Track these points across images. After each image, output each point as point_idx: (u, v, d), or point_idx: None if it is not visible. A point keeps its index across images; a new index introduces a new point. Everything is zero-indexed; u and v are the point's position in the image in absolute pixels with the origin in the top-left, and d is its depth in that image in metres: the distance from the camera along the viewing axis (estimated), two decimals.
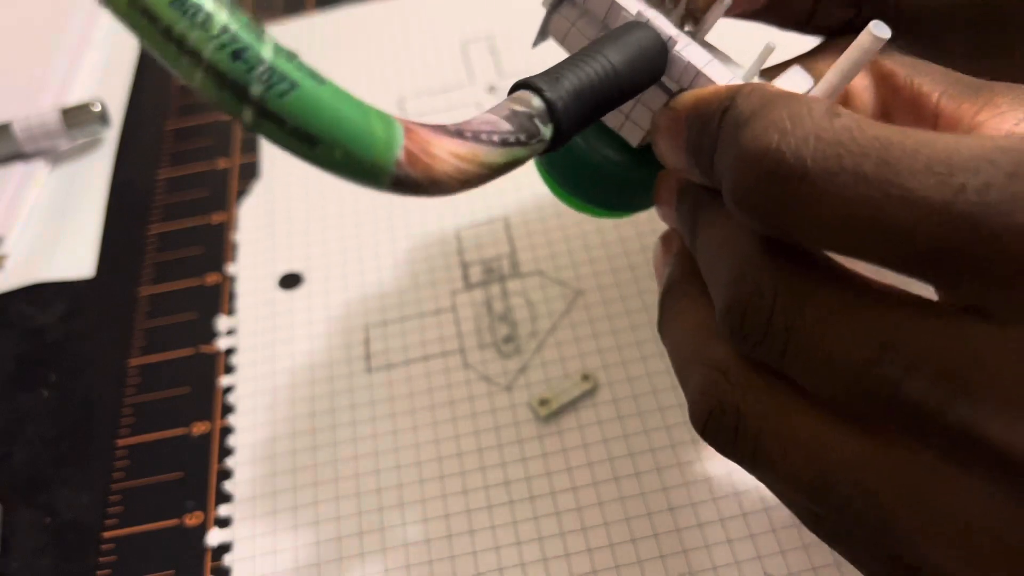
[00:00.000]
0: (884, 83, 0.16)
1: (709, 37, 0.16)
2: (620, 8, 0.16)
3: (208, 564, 0.21)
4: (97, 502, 0.23)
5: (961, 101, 0.14)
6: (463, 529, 0.21)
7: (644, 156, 0.17)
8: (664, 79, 0.16)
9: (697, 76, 0.15)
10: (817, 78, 0.16)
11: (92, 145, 0.33)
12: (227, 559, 0.21)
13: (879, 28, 0.14)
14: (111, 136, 0.33)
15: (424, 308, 0.26)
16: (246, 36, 0.10)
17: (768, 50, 0.15)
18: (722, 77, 0.15)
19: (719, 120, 0.13)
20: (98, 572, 0.22)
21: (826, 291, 0.12)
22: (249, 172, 0.31)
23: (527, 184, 0.29)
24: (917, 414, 0.11)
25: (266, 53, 0.10)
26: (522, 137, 0.13)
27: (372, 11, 0.37)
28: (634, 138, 0.17)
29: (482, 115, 0.13)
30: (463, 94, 0.32)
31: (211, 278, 0.28)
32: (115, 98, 0.34)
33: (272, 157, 0.32)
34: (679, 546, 0.20)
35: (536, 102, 0.13)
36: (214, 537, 0.22)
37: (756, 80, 0.15)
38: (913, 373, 0.11)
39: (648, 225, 0.27)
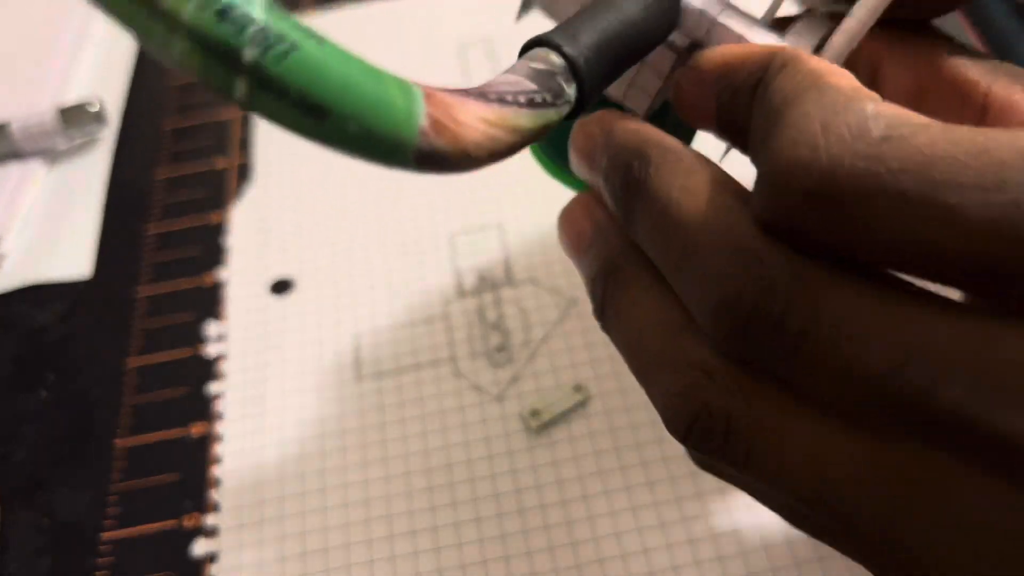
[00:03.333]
0: (924, 65, 0.14)
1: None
2: None
3: (208, 565, 0.21)
4: (95, 503, 0.23)
5: (1013, 90, 0.13)
6: (451, 542, 0.21)
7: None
8: (674, 35, 0.15)
9: (713, 25, 0.14)
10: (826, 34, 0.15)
11: (90, 145, 0.33)
12: (213, 569, 0.21)
13: None
14: (108, 136, 0.33)
15: (416, 316, 0.26)
16: None
17: None
18: (738, 25, 0.14)
19: (751, 95, 0.12)
20: (96, 573, 0.22)
21: (843, 291, 0.11)
22: (246, 172, 0.31)
23: (522, 190, 0.28)
24: (949, 422, 0.10)
25: (257, 11, 0.08)
26: (548, 97, 0.11)
27: (370, 12, 0.36)
28: (641, 105, 0.16)
29: (502, 75, 0.11)
30: None
31: (209, 278, 0.28)
32: (113, 97, 0.34)
33: (266, 160, 0.31)
34: (669, 563, 0.20)
35: (555, 59, 0.12)
36: (200, 547, 0.22)
37: (776, 40, 0.14)
38: (945, 381, 0.10)
39: None
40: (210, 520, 0.22)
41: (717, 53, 0.14)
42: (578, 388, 0.23)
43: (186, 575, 0.21)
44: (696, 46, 0.15)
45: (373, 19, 0.36)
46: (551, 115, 0.12)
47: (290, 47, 0.09)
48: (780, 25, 0.15)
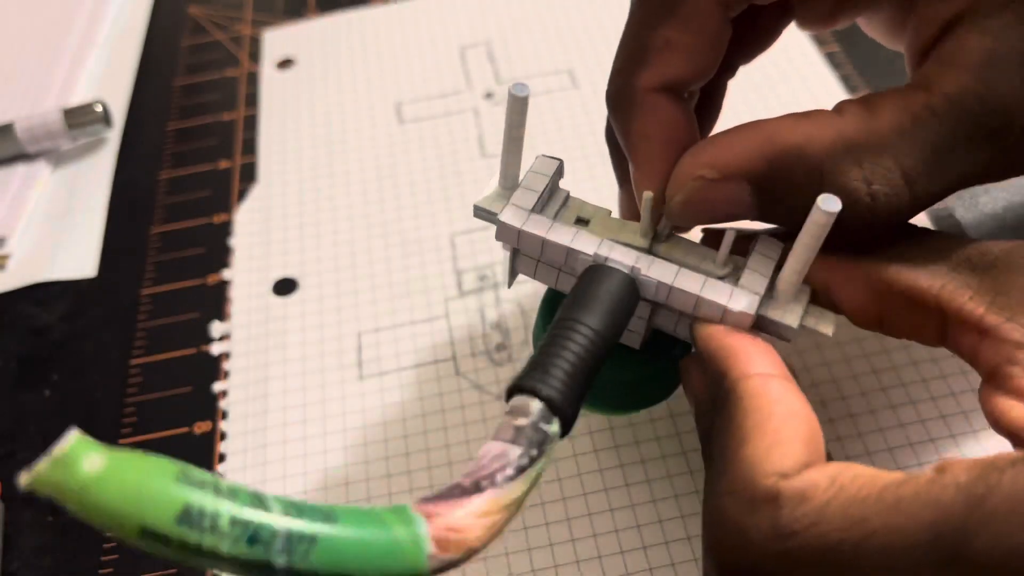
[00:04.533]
0: (875, 281, 0.15)
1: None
2: (578, 253, 0.16)
3: None
4: None
5: (962, 299, 0.14)
6: None
7: (644, 353, 0.18)
8: (643, 296, 0.16)
9: (671, 291, 0.16)
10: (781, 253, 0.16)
11: (94, 145, 0.33)
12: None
13: (827, 202, 0.14)
14: (113, 136, 0.33)
15: (417, 315, 0.26)
16: (254, 517, 0.10)
17: (731, 236, 0.16)
18: (691, 285, 0.16)
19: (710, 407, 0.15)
20: (100, 571, 0.22)
21: None
22: (250, 173, 0.32)
23: None
24: None
25: (277, 522, 0.11)
26: (534, 452, 0.13)
27: (372, 15, 0.37)
28: (635, 341, 0.18)
29: (490, 447, 0.13)
30: (460, 99, 0.32)
31: (213, 278, 0.28)
32: (117, 98, 0.35)
33: (269, 161, 0.32)
34: (667, 559, 0.20)
35: (535, 406, 0.14)
36: None
37: (726, 293, 0.16)
38: None
39: None
40: None
41: (699, 342, 0.16)
42: None
43: (191, 571, 0.22)
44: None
45: (375, 22, 0.36)
46: (540, 468, 0.13)
47: (309, 543, 0.11)
48: (741, 246, 0.16)
